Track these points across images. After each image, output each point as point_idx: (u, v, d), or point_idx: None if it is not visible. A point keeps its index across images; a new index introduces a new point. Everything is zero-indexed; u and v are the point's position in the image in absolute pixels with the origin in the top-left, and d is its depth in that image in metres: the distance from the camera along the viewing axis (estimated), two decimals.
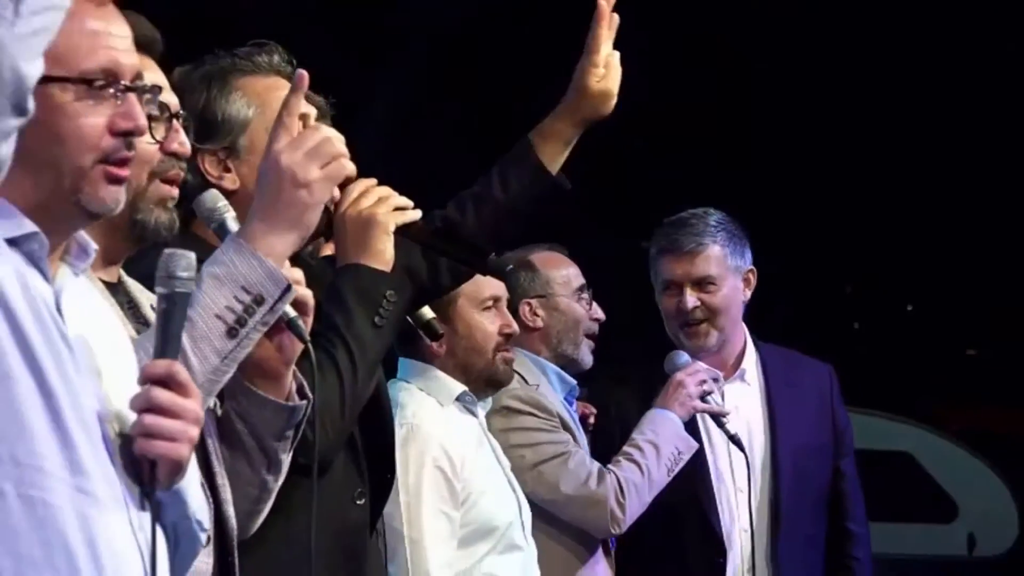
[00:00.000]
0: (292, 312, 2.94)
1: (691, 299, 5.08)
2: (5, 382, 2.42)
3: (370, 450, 3.55)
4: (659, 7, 7.98)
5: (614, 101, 3.94)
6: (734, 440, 4.96)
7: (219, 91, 3.43)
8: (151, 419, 2.52)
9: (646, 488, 4.79)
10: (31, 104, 2.27)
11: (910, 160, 9.55)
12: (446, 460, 4.30)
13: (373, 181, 3.53)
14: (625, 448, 4.89)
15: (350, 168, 3.09)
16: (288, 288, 2.90)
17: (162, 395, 2.53)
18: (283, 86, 3.39)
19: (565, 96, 3.93)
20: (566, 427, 4.87)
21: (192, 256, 2.59)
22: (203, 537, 2.75)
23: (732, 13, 8.71)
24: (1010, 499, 9.83)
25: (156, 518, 2.54)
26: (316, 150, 3.00)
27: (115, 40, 2.65)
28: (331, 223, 3.47)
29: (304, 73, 3.08)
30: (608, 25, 3.92)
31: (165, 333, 2.59)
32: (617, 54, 3.94)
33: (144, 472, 2.54)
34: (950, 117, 9.56)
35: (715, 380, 5.08)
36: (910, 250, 9.91)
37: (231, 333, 2.87)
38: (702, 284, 5.09)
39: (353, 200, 3.47)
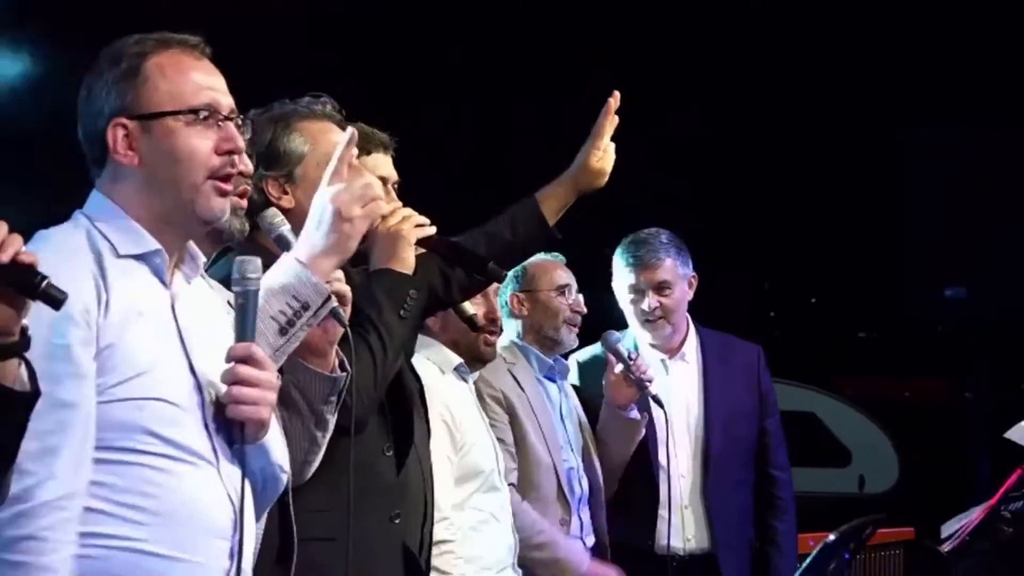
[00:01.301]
0: (335, 303, 2.92)
1: (652, 301, 5.08)
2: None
3: (394, 413, 3.51)
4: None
5: (607, 178, 3.95)
6: (655, 399, 4.90)
7: (283, 130, 3.38)
8: (237, 390, 2.53)
9: None
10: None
11: (815, 192, 9.61)
12: (449, 415, 4.25)
13: (399, 204, 3.52)
14: None
15: (384, 208, 3.07)
16: (328, 298, 2.88)
17: (243, 370, 2.54)
18: (332, 129, 3.40)
19: (568, 169, 3.95)
20: (507, 400, 4.75)
21: (258, 261, 2.61)
22: (284, 478, 2.76)
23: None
24: (891, 449, 9.79)
25: (244, 470, 2.55)
26: (360, 194, 2.96)
27: (215, 83, 2.67)
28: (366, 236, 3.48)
29: (355, 130, 3.03)
30: (611, 122, 3.93)
31: (243, 321, 2.59)
32: (613, 145, 3.94)
33: (235, 432, 2.56)
34: (835, 164, 9.65)
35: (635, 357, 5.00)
36: (814, 257, 9.93)
37: (282, 332, 2.85)
38: (660, 288, 5.09)
39: (383, 219, 3.43)
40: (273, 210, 3.19)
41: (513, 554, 4.43)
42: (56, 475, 2.38)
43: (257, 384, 2.56)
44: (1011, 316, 8.56)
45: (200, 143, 2.61)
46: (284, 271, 2.88)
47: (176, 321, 2.59)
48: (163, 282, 2.61)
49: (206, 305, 2.73)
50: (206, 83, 2.65)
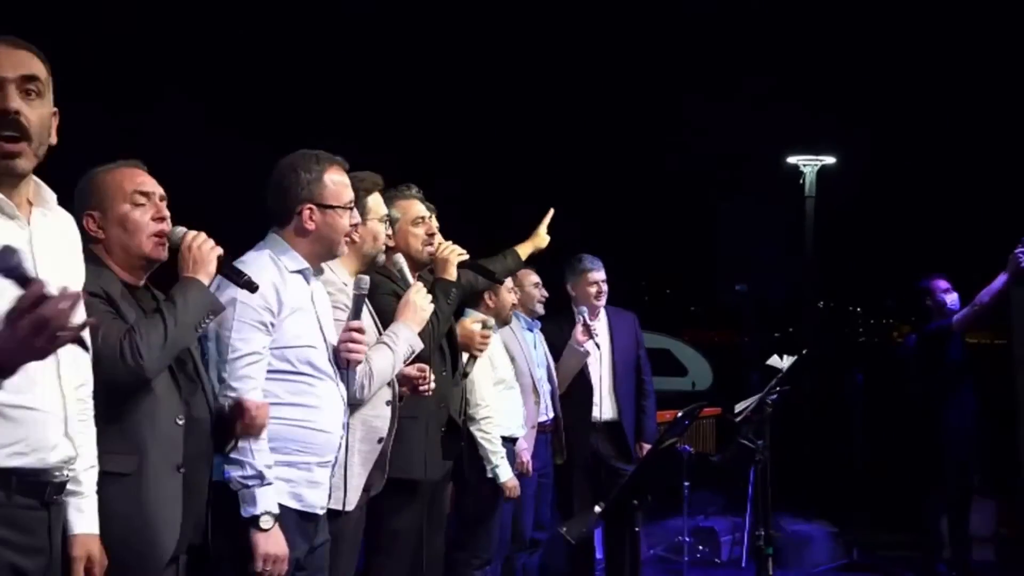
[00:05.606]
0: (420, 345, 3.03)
1: (603, 288, 5.07)
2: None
3: (451, 350, 3.51)
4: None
5: (546, 245, 4.03)
6: (595, 342, 4.92)
7: (391, 205, 3.32)
8: (350, 344, 2.65)
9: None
10: None
11: (669, 237, 9.79)
12: (488, 350, 4.12)
13: (452, 244, 3.48)
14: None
15: (430, 302, 3.10)
16: (420, 347, 2.95)
17: (354, 335, 2.64)
18: (416, 203, 3.40)
19: (530, 237, 4.02)
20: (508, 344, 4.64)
21: (367, 279, 2.72)
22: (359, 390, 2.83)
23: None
24: (709, 368, 9.90)
25: (348, 381, 2.68)
26: (426, 295, 3.04)
27: (350, 186, 2.70)
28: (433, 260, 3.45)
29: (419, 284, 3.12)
30: (547, 221, 4.01)
31: (355, 310, 2.70)
32: (548, 236, 4.01)
33: (343, 365, 2.66)
34: (681, 223, 9.86)
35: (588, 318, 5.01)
36: (669, 269, 10.05)
37: (405, 360, 2.94)
38: (604, 283, 5.09)
39: (441, 249, 3.43)
40: (400, 255, 3.20)
41: (523, 417, 4.40)
42: (258, 383, 2.48)
43: (359, 343, 2.64)
44: (770, 300, 8.84)
45: (345, 222, 2.65)
46: (405, 331, 2.94)
47: (314, 305, 2.61)
48: (308, 283, 2.64)
49: (324, 295, 2.76)
50: (348, 189, 2.68)
